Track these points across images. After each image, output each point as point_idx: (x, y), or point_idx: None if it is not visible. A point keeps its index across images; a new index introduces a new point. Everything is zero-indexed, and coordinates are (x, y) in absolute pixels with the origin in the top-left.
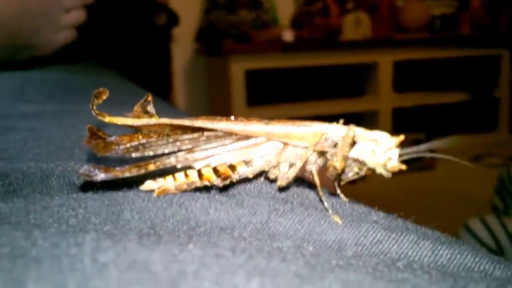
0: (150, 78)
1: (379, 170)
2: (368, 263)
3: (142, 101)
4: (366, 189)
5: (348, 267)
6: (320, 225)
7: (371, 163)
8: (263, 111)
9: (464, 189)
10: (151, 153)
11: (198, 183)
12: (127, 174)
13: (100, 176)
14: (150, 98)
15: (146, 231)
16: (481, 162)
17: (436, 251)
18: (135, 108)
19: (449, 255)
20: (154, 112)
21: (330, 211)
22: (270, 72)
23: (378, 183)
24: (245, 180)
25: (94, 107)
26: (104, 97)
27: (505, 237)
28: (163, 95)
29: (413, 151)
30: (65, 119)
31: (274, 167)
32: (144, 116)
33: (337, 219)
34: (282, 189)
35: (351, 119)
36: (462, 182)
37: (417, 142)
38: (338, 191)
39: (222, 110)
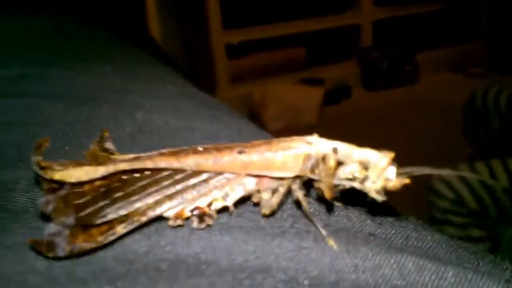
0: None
1: (374, 195)
2: None
3: (98, 138)
4: (351, 106)
5: None
6: (314, 255)
7: (366, 190)
8: (241, 33)
9: (449, 100)
10: (115, 216)
11: (171, 222)
12: (93, 245)
13: (63, 251)
14: (107, 134)
15: None
16: (464, 72)
17: (440, 274)
18: (91, 146)
19: (453, 278)
20: (113, 149)
21: (324, 233)
22: None
23: (363, 99)
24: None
25: (39, 160)
26: (47, 145)
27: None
28: (139, 25)
29: (407, 171)
30: (29, 89)
31: (257, 191)
32: (102, 156)
33: (331, 243)
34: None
35: (333, 35)
36: (447, 93)
37: (397, 55)
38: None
39: (198, 34)
